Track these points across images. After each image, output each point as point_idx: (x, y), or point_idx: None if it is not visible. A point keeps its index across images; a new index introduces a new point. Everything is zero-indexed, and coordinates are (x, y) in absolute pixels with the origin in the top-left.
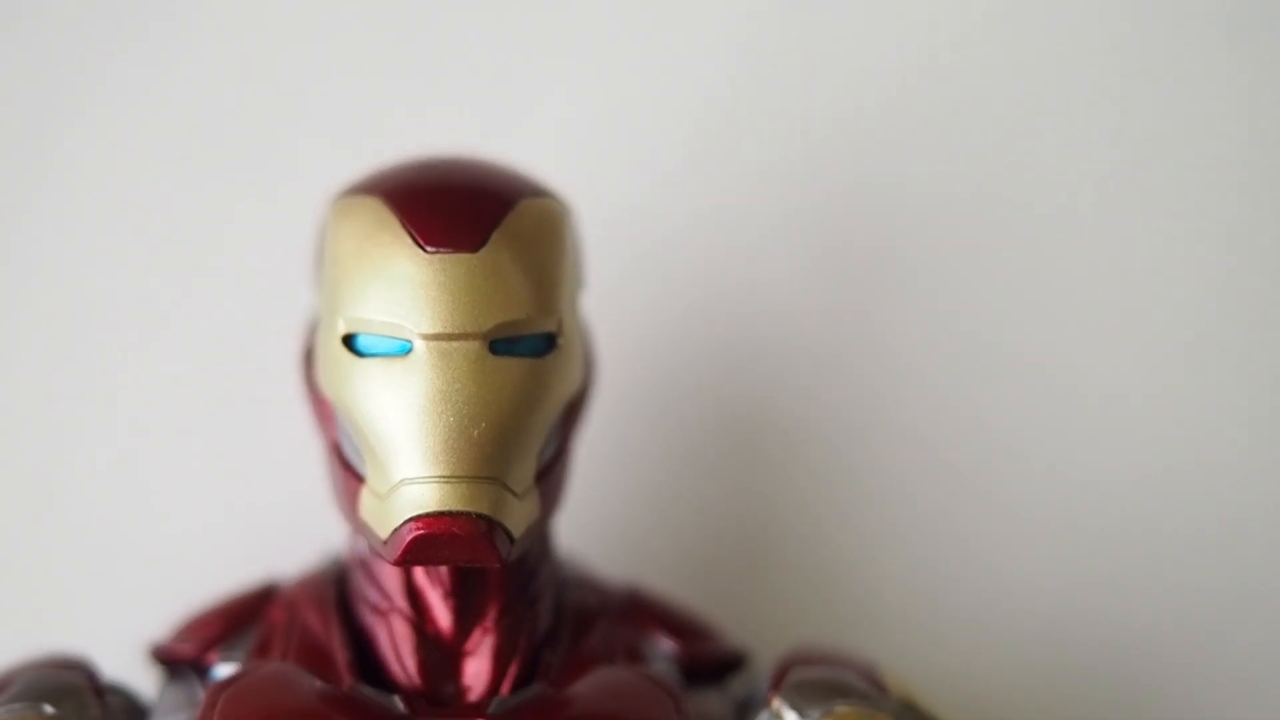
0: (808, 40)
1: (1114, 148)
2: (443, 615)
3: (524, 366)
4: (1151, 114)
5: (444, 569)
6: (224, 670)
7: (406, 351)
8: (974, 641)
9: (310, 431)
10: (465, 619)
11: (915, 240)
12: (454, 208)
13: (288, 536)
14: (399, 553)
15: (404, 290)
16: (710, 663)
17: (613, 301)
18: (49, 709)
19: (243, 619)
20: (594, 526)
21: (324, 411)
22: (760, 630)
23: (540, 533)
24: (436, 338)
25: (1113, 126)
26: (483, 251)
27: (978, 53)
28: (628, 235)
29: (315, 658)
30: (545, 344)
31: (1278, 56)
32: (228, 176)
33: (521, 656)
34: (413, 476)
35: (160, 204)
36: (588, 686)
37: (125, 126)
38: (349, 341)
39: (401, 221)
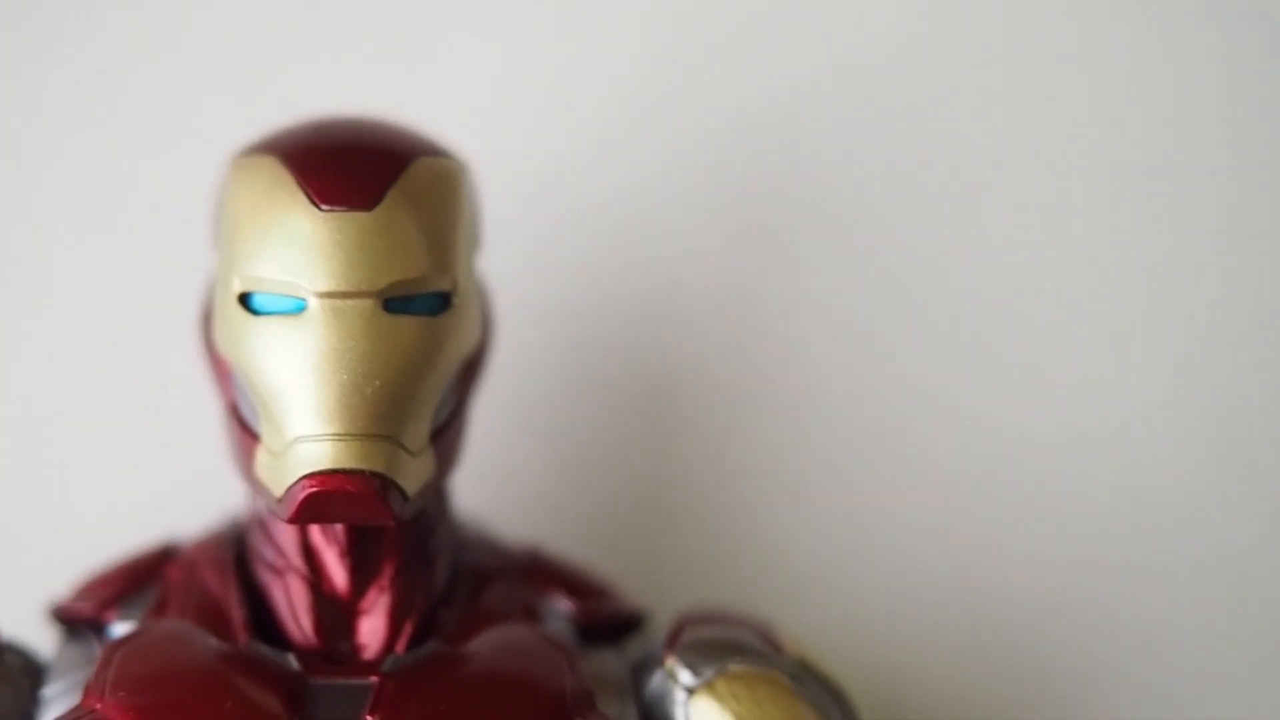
0: (741, 11)
1: (1039, 113)
2: (338, 574)
3: (419, 325)
4: (1076, 73)
5: (339, 527)
6: (121, 629)
7: (301, 309)
8: (879, 605)
9: (210, 392)
10: (361, 577)
11: (826, 215)
12: (349, 166)
13: (186, 498)
14: (292, 510)
15: (299, 248)
16: (607, 622)
17: (527, 267)
18: None
19: (141, 578)
20: (500, 490)
21: (221, 371)
22: (664, 593)
23: (437, 492)
24: (330, 295)
25: (1031, 89)
26: (378, 210)
27: (888, 22)
28: (550, 201)
29: (212, 616)
30: (440, 303)
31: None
32: (131, 136)
33: (417, 615)
34: (306, 434)
35: (60, 166)
36: (482, 644)
37: (18, 87)
38: (244, 300)
39: (297, 180)
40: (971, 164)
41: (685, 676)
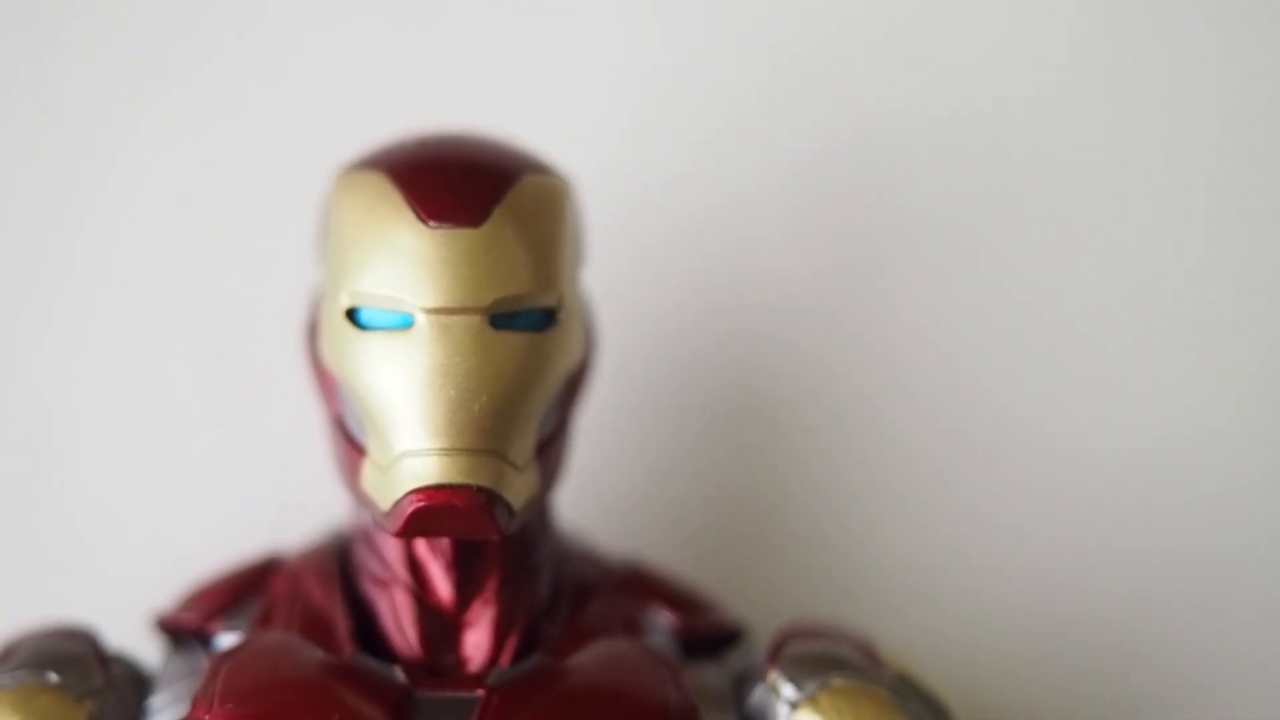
0: (842, 40)
1: (1121, 137)
2: (443, 586)
3: (524, 341)
4: (1157, 100)
5: (445, 541)
6: (227, 640)
7: (408, 325)
8: (974, 617)
9: (312, 406)
10: (466, 590)
11: (921, 236)
12: (456, 182)
13: (292, 510)
14: (400, 524)
15: (406, 264)
16: (708, 636)
17: (627, 285)
18: (53, 677)
19: (246, 589)
20: (600, 504)
21: (327, 384)
22: (761, 607)
23: (540, 506)
24: (438, 311)
25: (1119, 117)
26: (484, 226)
27: (986, 53)
28: (646, 221)
29: (317, 628)
30: (545, 319)
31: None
32: (233, 148)
33: (521, 628)
34: (414, 449)
35: (162, 185)
36: (586, 658)
37: (126, 112)
38: (352, 315)
39: (404, 196)
40: (1059, 187)
41: (788, 690)
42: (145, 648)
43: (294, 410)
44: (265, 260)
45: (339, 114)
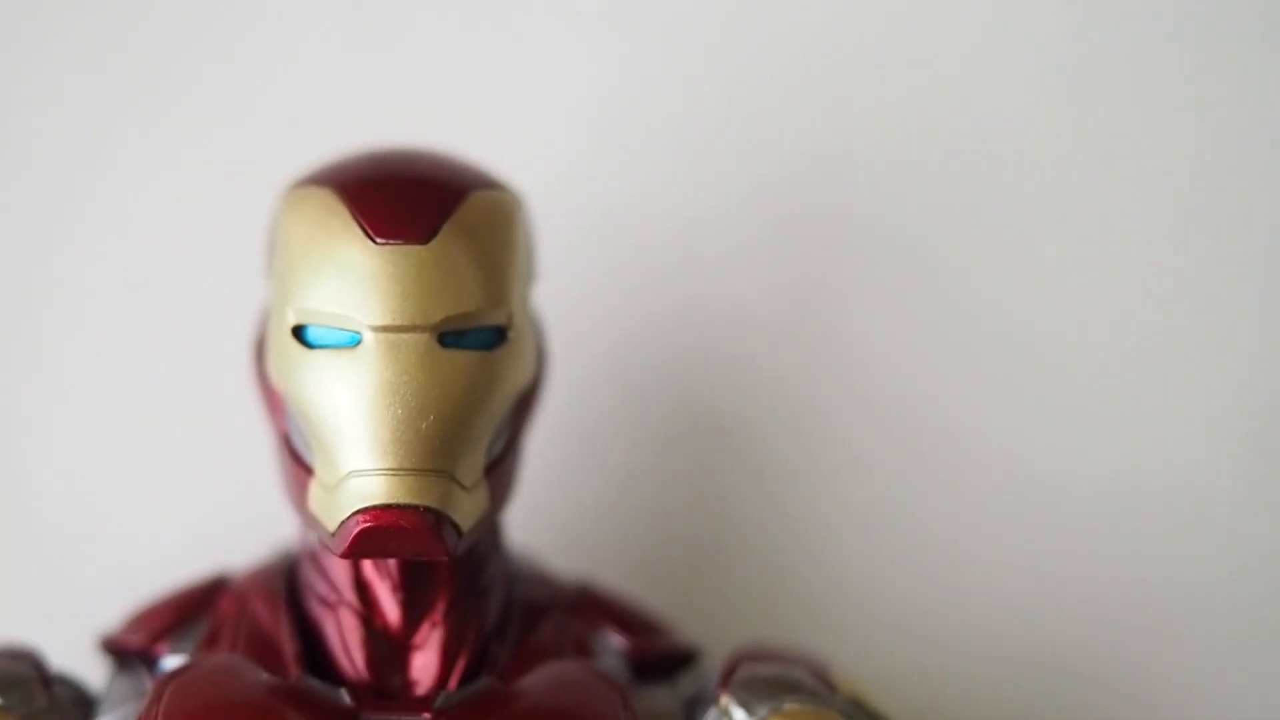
0: (797, 57)
1: (1087, 157)
2: (391, 608)
3: (473, 359)
4: (1123, 123)
5: (392, 562)
6: (172, 662)
7: (355, 343)
8: (932, 639)
9: (263, 424)
10: (413, 612)
11: (879, 254)
12: (404, 199)
13: (241, 529)
14: (346, 545)
15: (353, 281)
16: (660, 659)
17: (584, 303)
18: None
19: (192, 611)
20: (552, 524)
21: (274, 403)
22: (716, 626)
23: (490, 526)
24: (385, 329)
25: (1084, 139)
26: (433, 243)
27: (945, 73)
28: (603, 237)
29: (263, 650)
30: (495, 337)
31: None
32: (186, 164)
33: (470, 650)
34: (360, 469)
35: (123, 196)
36: (535, 681)
37: (87, 122)
38: (298, 333)
39: (352, 212)
40: (1022, 207)
41: (739, 715)
42: (90, 669)
43: (253, 427)
44: (225, 276)
45: (296, 131)
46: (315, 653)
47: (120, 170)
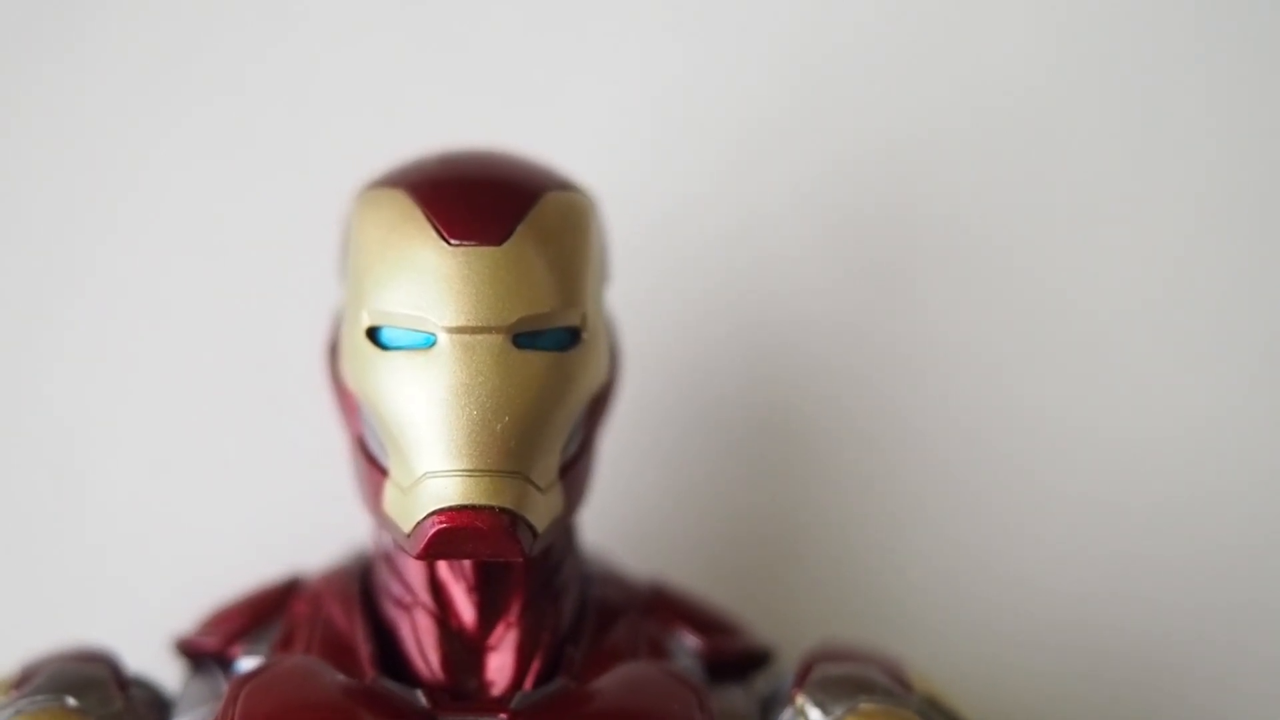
0: (865, 51)
1: (1139, 143)
2: (466, 609)
3: (548, 360)
4: (1177, 105)
5: (467, 563)
6: (247, 663)
7: (430, 344)
8: (991, 642)
9: (335, 426)
10: (488, 613)
11: (944, 246)
12: (478, 200)
13: (313, 531)
14: (421, 546)
15: (428, 283)
16: (734, 659)
17: (650, 302)
18: (72, 701)
19: (267, 612)
20: (623, 524)
21: (348, 404)
22: (786, 628)
23: (564, 527)
24: (460, 330)
25: (1138, 124)
26: (507, 244)
27: (1003, 61)
28: (669, 237)
29: (338, 651)
30: (569, 338)
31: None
32: (258, 165)
33: (545, 651)
34: (436, 470)
35: (184, 203)
36: (610, 682)
37: (149, 126)
38: (373, 334)
39: (426, 214)
40: (1078, 194)
41: (815, 715)
42: (166, 671)
43: (319, 430)
44: (290, 278)
45: (363, 132)
46: (390, 654)
47: (182, 174)
